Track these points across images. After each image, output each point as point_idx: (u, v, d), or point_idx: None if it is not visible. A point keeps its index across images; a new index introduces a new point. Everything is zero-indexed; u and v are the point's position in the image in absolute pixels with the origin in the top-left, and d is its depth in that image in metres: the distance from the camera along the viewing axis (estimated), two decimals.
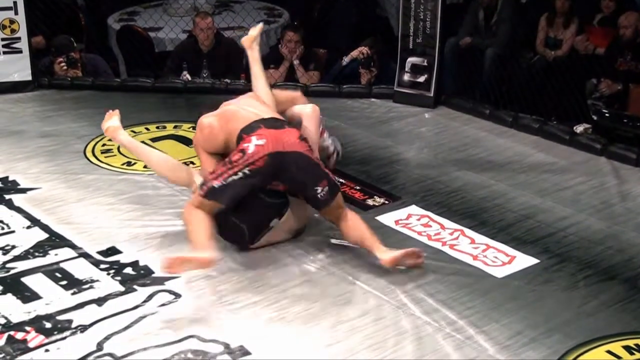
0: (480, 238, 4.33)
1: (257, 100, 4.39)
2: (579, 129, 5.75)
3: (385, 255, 3.94)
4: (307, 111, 4.40)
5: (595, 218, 4.58)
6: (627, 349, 3.44)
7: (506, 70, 6.67)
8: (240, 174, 3.92)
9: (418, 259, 4.02)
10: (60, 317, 3.60)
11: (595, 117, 5.95)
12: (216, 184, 3.93)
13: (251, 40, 4.70)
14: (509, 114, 6.03)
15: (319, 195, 4.01)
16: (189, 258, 3.70)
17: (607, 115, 5.97)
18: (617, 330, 3.56)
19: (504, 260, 4.12)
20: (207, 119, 4.28)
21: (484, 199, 4.79)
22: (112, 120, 4.55)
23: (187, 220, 3.97)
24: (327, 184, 4.03)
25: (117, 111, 4.60)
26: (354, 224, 4.08)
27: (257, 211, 4.07)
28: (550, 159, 5.41)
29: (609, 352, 3.43)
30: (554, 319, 3.63)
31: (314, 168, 4.04)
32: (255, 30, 4.74)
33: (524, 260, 4.12)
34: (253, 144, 3.95)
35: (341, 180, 4.95)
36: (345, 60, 6.82)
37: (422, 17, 6.18)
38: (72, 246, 4.18)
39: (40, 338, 3.46)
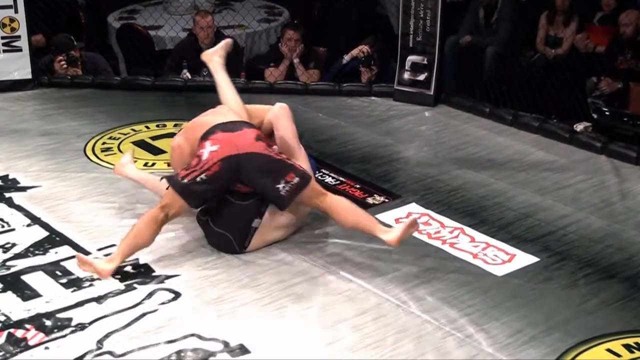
0: (480, 236, 4.33)
1: (224, 108, 4.38)
2: (579, 127, 5.76)
3: (390, 235, 3.91)
4: (275, 110, 4.34)
5: (595, 216, 4.58)
6: (627, 347, 3.44)
7: (506, 68, 6.67)
8: (198, 179, 3.94)
9: (416, 225, 4.00)
10: (60, 315, 3.60)
11: (595, 116, 5.96)
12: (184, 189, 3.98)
13: (211, 54, 4.67)
14: (509, 112, 6.03)
15: (281, 193, 3.95)
16: (89, 262, 3.89)
17: (607, 113, 5.98)
18: (617, 329, 3.56)
19: (504, 259, 4.12)
20: (176, 140, 4.35)
21: (484, 198, 4.79)
22: (124, 157, 4.65)
23: (137, 221, 4.00)
24: (294, 176, 3.98)
25: (132, 148, 4.77)
26: (345, 208, 4.02)
27: (234, 216, 4.06)
28: (550, 158, 5.41)
29: (609, 350, 3.43)
30: (554, 317, 3.63)
31: (275, 165, 4.01)
32: (220, 44, 4.72)
33: (524, 259, 4.12)
34: (207, 150, 3.98)
35: (341, 178, 4.96)
36: (346, 58, 6.82)
37: (422, 15, 6.18)
38: (72, 244, 4.18)
39: (40, 336, 3.46)
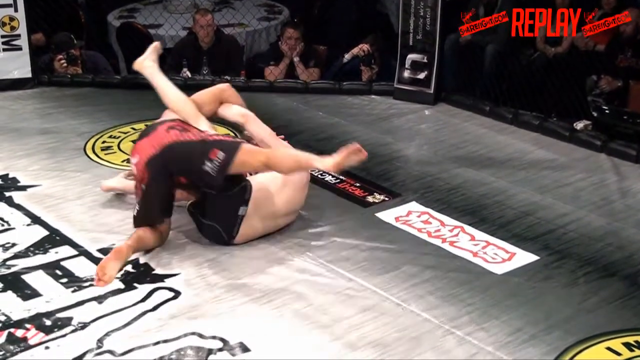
0: (480, 235, 4.33)
1: (166, 117, 4.37)
2: (579, 125, 5.75)
3: (326, 163, 3.92)
4: (240, 121, 4.44)
5: (595, 215, 4.58)
6: (627, 345, 3.45)
7: (506, 67, 6.67)
8: (141, 193, 4.01)
9: (360, 153, 3.99)
10: (60, 315, 3.60)
11: (595, 114, 5.95)
12: (135, 210, 4.08)
13: (141, 62, 4.65)
14: (509, 110, 6.03)
15: (211, 173, 3.91)
16: (108, 257, 3.84)
17: (607, 111, 5.98)
18: (617, 327, 3.56)
19: (504, 257, 4.12)
20: None
21: (484, 196, 4.79)
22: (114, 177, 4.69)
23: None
24: (218, 151, 3.93)
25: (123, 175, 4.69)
26: (283, 158, 4.03)
27: (220, 206, 4.07)
28: (550, 156, 5.41)
29: (608, 348, 3.43)
30: (554, 315, 3.64)
31: (194, 147, 3.98)
32: (149, 49, 4.71)
33: (524, 257, 4.12)
34: (132, 164, 4.05)
35: (341, 177, 4.96)
36: (346, 57, 6.83)
37: (422, 13, 6.18)
38: (72, 244, 4.18)
39: (41, 335, 3.46)
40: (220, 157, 3.91)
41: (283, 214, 4.25)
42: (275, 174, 4.16)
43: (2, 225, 4.37)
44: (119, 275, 3.88)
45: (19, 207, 4.56)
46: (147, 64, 4.62)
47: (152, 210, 4.05)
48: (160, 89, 4.50)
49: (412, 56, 6.29)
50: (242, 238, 4.13)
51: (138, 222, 4.07)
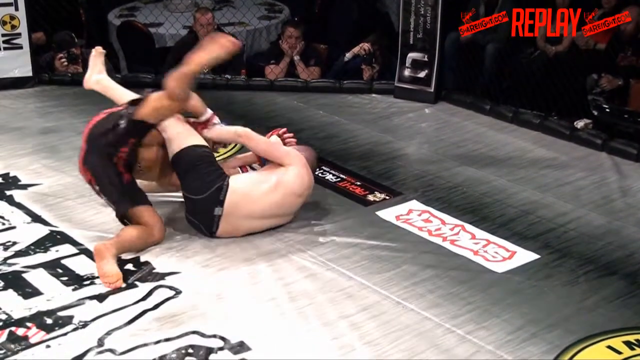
0: (480, 233, 4.33)
1: None
2: (580, 124, 5.76)
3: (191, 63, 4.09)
4: (240, 140, 4.42)
5: (595, 213, 4.58)
6: (628, 344, 3.45)
7: (507, 65, 6.67)
8: (102, 197, 4.15)
9: (228, 43, 4.20)
10: (61, 313, 3.60)
11: (595, 113, 5.95)
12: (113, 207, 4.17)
13: (89, 78, 4.65)
14: (509, 109, 6.04)
15: (127, 117, 4.09)
16: (98, 265, 3.84)
17: (607, 110, 5.97)
18: (617, 326, 3.56)
19: (505, 256, 4.13)
20: None
21: (484, 195, 4.80)
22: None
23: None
24: (125, 107, 4.19)
25: None
26: (179, 95, 4.12)
27: (196, 207, 4.15)
28: (550, 155, 5.42)
29: (609, 347, 3.43)
30: (555, 314, 3.64)
31: (110, 114, 4.16)
32: (90, 62, 4.68)
33: (525, 256, 4.12)
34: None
35: (342, 176, 4.97)
36: (347, 56, 6.83)
37: (422, 12, 6.19)
38: (73, 242, 4.19)
39: (42, 334, 3.46)
40: (130, 112, 4.12)
41: (271, 215, 4.24)
42: (268, 175, 4.19)
43: (3, 223, 4.37)
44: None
45: (19, 206, 4.57)
46: (96, 78, 4.63)
47: (120, 206, 4.11)
48: (121, 100, 4.47)
49: (412, 55, 6.30)
50: (223, 234, 4.19)
51: (118, 214, 4.15)
